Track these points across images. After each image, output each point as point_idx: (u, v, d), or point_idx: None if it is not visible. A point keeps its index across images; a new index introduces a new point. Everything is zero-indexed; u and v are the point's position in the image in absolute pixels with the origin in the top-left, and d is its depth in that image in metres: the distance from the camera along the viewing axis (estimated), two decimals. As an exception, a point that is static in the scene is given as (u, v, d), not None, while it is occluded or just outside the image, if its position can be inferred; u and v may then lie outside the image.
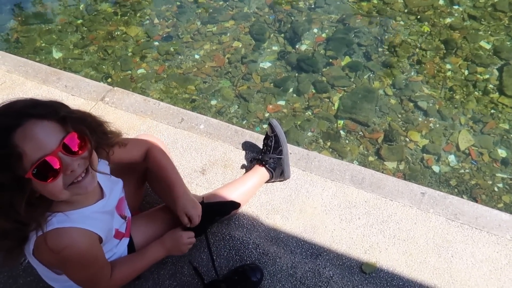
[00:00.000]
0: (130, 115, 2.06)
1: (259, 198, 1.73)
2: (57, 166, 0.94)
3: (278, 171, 1.72)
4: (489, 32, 2.92)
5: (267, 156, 1.71)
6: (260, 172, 1.71)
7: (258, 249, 1.58)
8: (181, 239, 1.41)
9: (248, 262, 1.55)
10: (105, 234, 1.18)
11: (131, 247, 1.41)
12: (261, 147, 1.80)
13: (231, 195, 1.63)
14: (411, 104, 2.61)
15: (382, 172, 2.08)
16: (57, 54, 3.04)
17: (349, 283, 1.50)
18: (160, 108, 2.09)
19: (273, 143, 1.72)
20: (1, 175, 0.91)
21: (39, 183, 0.94)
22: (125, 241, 1.38)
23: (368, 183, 1.76)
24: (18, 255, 1.08)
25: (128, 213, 1.40)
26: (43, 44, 3.11)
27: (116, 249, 1.33)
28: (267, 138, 1.76)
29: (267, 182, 1.75)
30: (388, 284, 1.49)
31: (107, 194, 1.20)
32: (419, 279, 1.50)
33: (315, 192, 1.74)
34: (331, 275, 1.52)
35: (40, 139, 0.93)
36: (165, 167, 1.42)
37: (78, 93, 2.18)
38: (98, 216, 1.15)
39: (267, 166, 1.70)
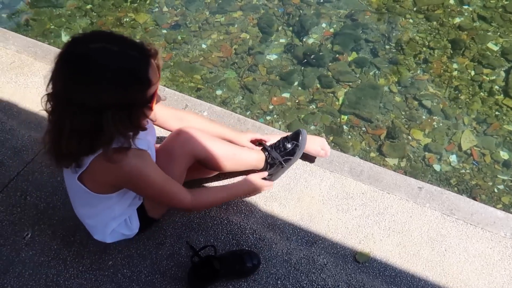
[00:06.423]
0: (135, 99, 2.09)
1: (258, 185, 1.75)
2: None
3: (271, 171, 1.70)
4: (498, 34, 2.90)
5: (275, 154, 1.68)
6: (260, 156, 1.66)
7: (254, 235, 1.60)
8: (264, 182, 1.66)
9: (244, 246, 1.58)
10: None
11: None
12: (274, 141, 1.73)
13: (220, 150, 1.55)
14: (416, 102, 2.61)
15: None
16: (65, 38, 3.07)
17: (342, 271, 1.52)
18: (165, 93, 2.12)
19: (289, 149, 1.67)
20: (139, 95, 1.12)
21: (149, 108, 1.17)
22: None
23: (366, 176, 1.78)
24: (71, 162, 1.20)
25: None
26: (52, 27, 3.14)
27: None
28: (287, 140, 1.69)
29: (253, 172, 1.68)
30: (381, 273, 1.51)
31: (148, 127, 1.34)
32: (412, 271, 1.52)
33: (314, 182, 1.76)
34: (325, 263, 1.54)
35: (156, 73, 1.15)
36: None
37: (85, 75, 2.21)
38: (143, 138, 1.28)
39: (269, 161, 1.67)
